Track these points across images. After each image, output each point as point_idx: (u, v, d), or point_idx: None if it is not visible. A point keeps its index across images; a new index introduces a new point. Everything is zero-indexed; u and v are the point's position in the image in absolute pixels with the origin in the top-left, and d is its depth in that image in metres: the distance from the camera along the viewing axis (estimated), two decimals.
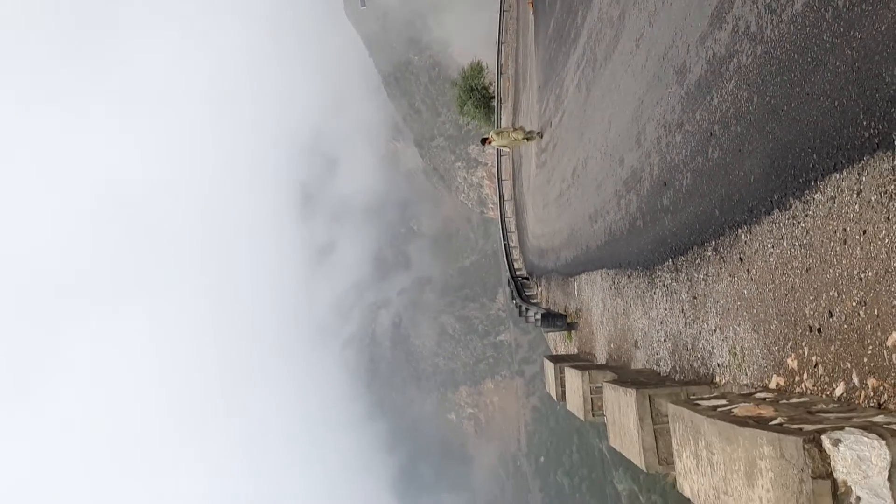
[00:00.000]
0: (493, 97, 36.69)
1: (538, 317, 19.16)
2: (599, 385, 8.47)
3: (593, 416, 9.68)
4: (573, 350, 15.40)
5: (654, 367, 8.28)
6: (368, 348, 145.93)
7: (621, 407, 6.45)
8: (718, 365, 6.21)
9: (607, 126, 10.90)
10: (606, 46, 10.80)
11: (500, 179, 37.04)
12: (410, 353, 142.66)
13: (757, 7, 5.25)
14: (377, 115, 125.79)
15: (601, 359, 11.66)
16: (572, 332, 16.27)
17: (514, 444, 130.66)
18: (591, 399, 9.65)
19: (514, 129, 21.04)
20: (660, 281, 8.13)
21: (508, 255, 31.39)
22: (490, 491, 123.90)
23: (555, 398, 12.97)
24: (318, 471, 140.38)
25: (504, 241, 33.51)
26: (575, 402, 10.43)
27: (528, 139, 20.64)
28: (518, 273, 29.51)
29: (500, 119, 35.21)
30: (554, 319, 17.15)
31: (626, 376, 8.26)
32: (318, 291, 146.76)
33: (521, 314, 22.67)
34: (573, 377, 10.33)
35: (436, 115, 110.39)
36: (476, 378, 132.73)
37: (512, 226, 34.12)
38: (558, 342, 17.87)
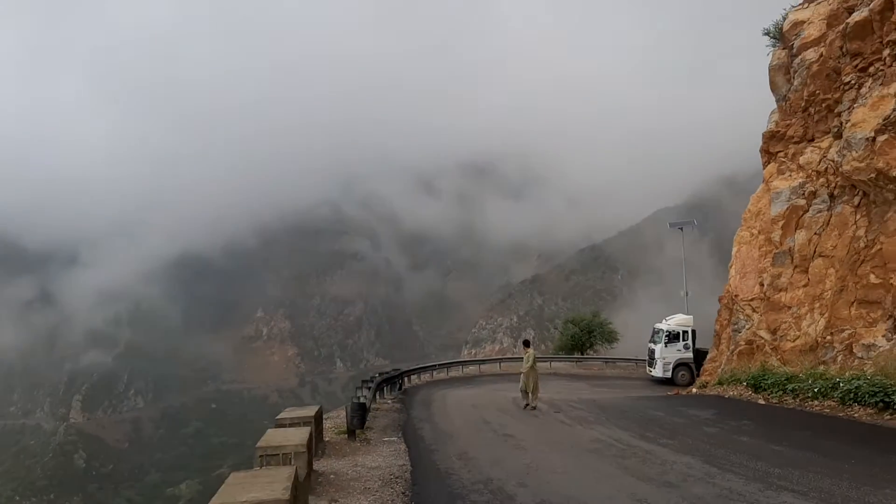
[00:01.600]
0: None
1: (362, 397, 19.53)
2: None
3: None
4: (326, 453, 15.10)
5: None
6: None
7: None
8: None
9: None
10: None
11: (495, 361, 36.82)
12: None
13: None
14: None
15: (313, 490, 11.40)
16: (349, 439, 16.17)
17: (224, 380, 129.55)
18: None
19: (532, 380, 21.96)
20: None
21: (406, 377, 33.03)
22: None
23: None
24: None
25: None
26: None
27: (524, 389, 22.00)
28: (403, 387, 30.22)
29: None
30: (362, 414, 17.20)
31: None
32: None
33: (362, 383, 23.96)
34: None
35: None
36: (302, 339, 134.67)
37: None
38: (333, 431, 17.55)
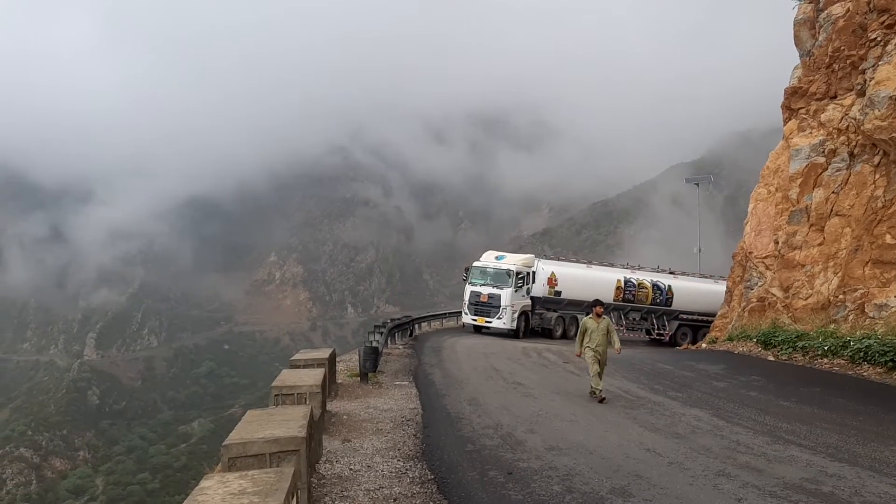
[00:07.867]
0: None
1: (375, 341, 19.88)
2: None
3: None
4: (339, 395, 15.33)
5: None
6: None
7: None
8: None
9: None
10: None
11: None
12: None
13: None
14: None
15: (329, 428, 11.61)
16: (361, 382, 16.51)
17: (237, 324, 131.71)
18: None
19: (598, 364, 13.82)
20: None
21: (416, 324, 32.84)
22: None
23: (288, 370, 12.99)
24: None
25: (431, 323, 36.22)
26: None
27: (597, 377, 13.77)
28: (414, 333, 31.11)
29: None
30: (375, 358, 17.58)
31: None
32: None
33: (374, 328, 24.32)
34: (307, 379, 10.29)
35: None
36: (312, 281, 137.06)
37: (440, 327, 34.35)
38: (346, 374, 17.82)
